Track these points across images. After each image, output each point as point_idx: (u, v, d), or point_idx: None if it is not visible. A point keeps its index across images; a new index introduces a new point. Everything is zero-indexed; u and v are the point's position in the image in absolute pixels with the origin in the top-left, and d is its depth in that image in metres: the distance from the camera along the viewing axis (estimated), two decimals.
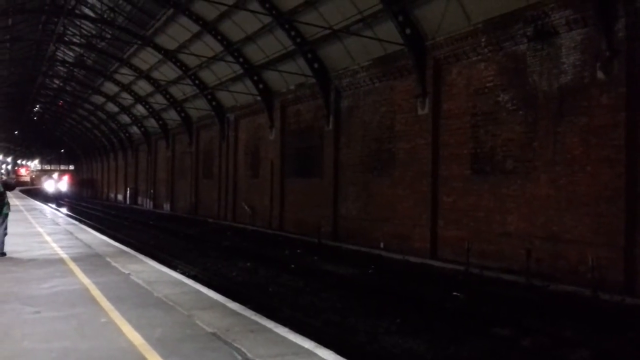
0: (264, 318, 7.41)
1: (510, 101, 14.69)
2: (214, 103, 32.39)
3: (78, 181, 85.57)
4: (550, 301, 11.68)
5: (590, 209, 12.52)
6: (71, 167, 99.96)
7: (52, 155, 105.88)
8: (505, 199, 14.74)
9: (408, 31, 16.93)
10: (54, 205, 47.16)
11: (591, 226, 12.49)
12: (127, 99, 43.01)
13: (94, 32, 34.71)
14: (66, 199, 66.22)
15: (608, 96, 12.20)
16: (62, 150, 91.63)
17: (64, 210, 44.01)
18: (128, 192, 55.27)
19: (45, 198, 61.88)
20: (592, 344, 8.74)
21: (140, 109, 43.85)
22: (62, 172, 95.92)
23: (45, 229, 20.42)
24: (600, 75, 12.35)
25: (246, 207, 29.60)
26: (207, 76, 30.96)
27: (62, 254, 13.42)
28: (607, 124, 12.19)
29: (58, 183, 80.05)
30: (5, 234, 13.28)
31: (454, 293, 12.63)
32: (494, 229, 15.04)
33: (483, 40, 15.30)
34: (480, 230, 15.42)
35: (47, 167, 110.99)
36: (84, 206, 51.69)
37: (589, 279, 11.84)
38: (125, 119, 49.42)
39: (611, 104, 12.12)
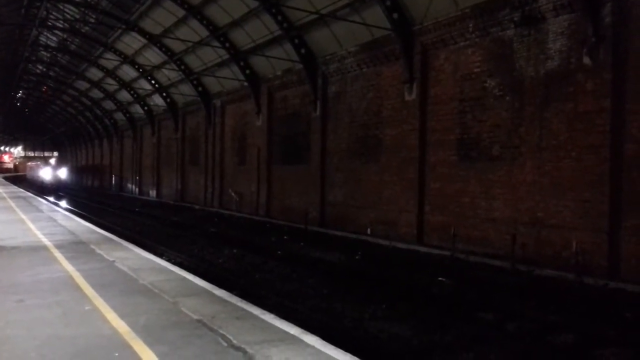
0: (250, 305, 7.38)
1: (497, 87, 14.70)
2: (200, 89, 32.10)
3: (75, 169, 77.33)
4: (535, 286, 11.81)
5: (575, 195, 12.62)
6: (55, 154, 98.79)
7: (36, 142, 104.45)
8: (491, 184, 14.80)
9: (395, 16, 16.84)
10: (52, 198, 40.61)
11: (576, 211, 12.60)
12: (111, 84, 42.48)
13: (77, 16, 34.18)
14: (65, 189, 58.81)
15: (594, 82, 12.25)
16: (49, 136, 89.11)
17: (48, 197, 43.52)
18: (113, 179, 54.81)
19: (40, 189, 54.58)
20: (577, 328, 8.83)
21: (125, 95, 43.35)
22: (60, 159, 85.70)
23: (29, 216, 20.18)
24: (586, 61, 12.38)
25: (233, 194, 29.50)
26: (193, 61, 30.65)
27: (46, 241, 13.27)
28: (593, 109, 12.25)
29: (57, 171, 69.05)
30: None
31: (440, 278, 12.69)
32: (479, 215, 15.12)
33: (470, 25, 15.25)
34: (466, 216, 15.50)
35: (31, 154, 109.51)
36: (70, 193, 51.19)
37: (574, 263, 11.97)
38: (109, 105, 48.86)
39: (597, 90, 12.17)
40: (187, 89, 33.53)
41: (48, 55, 46.06)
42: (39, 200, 31.12)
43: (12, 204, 26.50)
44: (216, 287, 8.45)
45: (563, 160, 12.95)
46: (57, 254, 11.26)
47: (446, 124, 16.26)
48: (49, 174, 66.95)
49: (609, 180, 11.92)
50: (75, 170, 74.73)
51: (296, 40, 21.62)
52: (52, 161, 78.70)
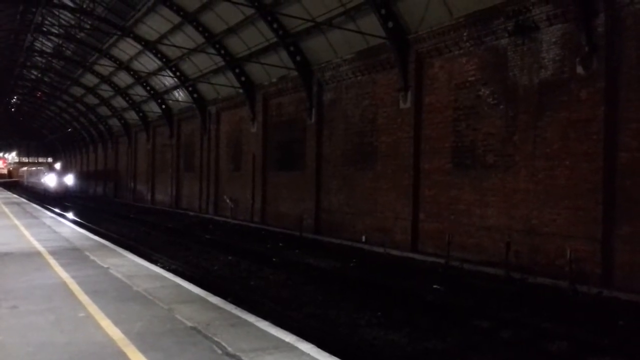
0: (245, 312, 7.37)
1: (491, 95, 14.78)
2: (195, 95, 32.11)
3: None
4: (529, 294, 11.83)
5: (569, 203, 12.67)
6: (50, 160, 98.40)
7: (31, 147, 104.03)
8: (486, 192, 14.85)
9: (390, 24, 16.92)
10: (58, 210, 35.35)
11: (569, 219, 12.65)
12: (106, 90, 42.48)
13: (72, 22, 34.14)
14: (72, 199, 51.31)
15: (587, 91, 12.33)
16: (42, 142, 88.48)
17: (42, 203, 43.30)
18: (107, 185, 54.58)
19: (42, 198, 48.82)
20: (571, 336, 8.86)
21: (120, 101, 43.33)
22: (64, 165, 74.59)
23: (23, 221, 20.10)
24: (579, 70, 12.47)
25: (228, 201, 29.46)
26: (188, 68, 30.67)
27: (40, 247, 13.21)
28: (586, 118, 12.33)
29: (63, 177, 58.38)
30: None
31: (435, 286, 12.72)
32: (474, 222, 15.16)
33: (465, 34, 15.35)
34: (460, 224, 15.54)
35: (25, 159, 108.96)
36: (64, 200, 50.95)
37: (567, 271, 12.01)
38: (104, 111, 48.80)
39: (590, 99, 12.26)
40: (182, 95, 33.54)
41: (43, 60, 46.00)
42: (33, 207, 30.97)
43: (6, 210, 26.37)
44: (211, 294, 8.44)
45: (557, 168, 13.02)
46: (51, 261, 11.21)
47: (441, 132, 16.33)
48: (54, 180, 57.49)
49: (603, 188, 11.98)
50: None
51: (291, 48, 21.68)
52: (57, 166, 68.02)
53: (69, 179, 59.30)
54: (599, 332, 9.16)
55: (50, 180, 57.92)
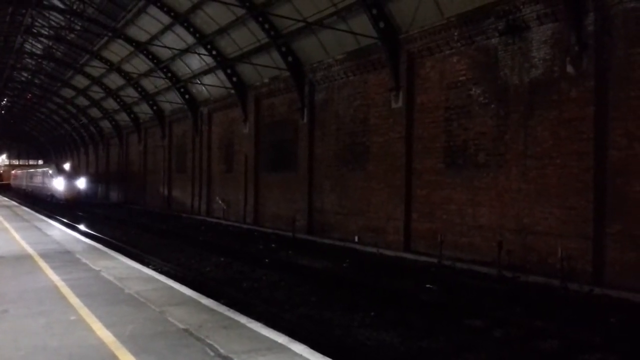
0: (238, 313, 7.34)
1: (482, 95, 14.84)
2: (186, 96, 32.04)
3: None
4: (521, 292, 11.87)
5: (560, 202, 12.74)
6: (40, 162, 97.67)
7: (21, 150, 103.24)
8: (478, 191, 14.90)
9: (382, 24, 16.95)
10: (48, 212, 31.95)
11: (561, 218, 12.71)
12: (97, 92, 42.25)
13: (63, 23, 33.96)
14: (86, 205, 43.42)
15: (577, 90, 12.41)
16: (33, 145, 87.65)
17: (32, 206, 42.95)
18: (99, 187, 54.23)
19: (50, 208, 39.35)
20: (562, 334, 8.90)
21: (111, 103, 43.13)
22: (75, 167, 58.26)
23: (13, 224, 19.95)
24: (569, 69, 12.54)
25: (220, 202, 29.39)
26: (180, 69, 30.58)
27: (31, 250, 13.12)
28: (576, 117, 12.40)
29: (74, 181, 48.00)
30: None
31: (427, 285, 12.74)
32: (466, 222, 15.21)
33: (456, 34, 15.40)
34: (453, 223, 15.58)
35: (16, 162, 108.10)
36: (52, 202, 50.60)
37: (559, 269, 12.07)
38: (95, 112, 48.55)
39: (580, 98, 12.33)
40: (173, 96, 33.44)
41: (33, 62, 45.70)
42: (24, 210, 30.75)
43: None
44: (203, 296, 8.40)
45: (548, 167, 13.08)
46: (42, 264, 11.13)
47: (432, 131, 16.37)
48: (63, 184, 47.47)
49: (593, 186, 12.05)
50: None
51: (283, 48, 21.67)
52: (66, 167, 54.28)
53: (82, 183, 49.69)
54: (590, 330, 9.21)
55: (58, 184, 48.38)
